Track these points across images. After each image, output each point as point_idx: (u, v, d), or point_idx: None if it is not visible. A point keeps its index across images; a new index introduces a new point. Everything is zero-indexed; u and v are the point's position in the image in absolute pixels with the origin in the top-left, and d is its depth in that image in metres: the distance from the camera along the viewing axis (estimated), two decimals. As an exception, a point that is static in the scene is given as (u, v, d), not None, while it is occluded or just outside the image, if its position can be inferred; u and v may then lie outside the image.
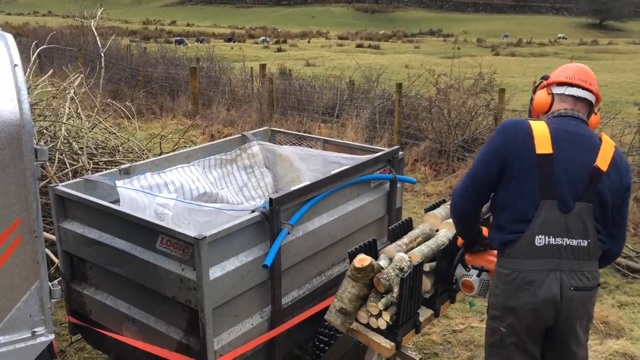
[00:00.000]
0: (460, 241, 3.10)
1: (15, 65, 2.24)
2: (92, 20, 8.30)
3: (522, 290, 2.57)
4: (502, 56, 34.94)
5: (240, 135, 4.95)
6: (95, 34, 8.09)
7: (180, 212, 3.68)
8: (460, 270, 3.12)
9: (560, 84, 2.78)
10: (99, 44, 7.87)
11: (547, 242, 2.55)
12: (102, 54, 7.60)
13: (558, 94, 2.78)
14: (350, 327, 3.01)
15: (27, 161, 2.26)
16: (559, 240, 2.55)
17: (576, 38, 56.44)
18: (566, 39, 55.00)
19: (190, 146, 7.03)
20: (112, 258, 3.29)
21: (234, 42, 44.06)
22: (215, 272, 2.94)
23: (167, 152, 6.21)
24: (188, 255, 2.91)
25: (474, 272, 3.01)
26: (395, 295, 2.87)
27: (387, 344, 2.91)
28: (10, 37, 2.34)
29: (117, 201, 3.71)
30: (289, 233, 3.24)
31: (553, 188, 2.55)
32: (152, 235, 3.05)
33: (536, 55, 36.72)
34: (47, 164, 5.51)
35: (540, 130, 2.62)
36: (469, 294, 3.06)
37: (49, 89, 7.57)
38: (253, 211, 3.18)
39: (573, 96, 2.75)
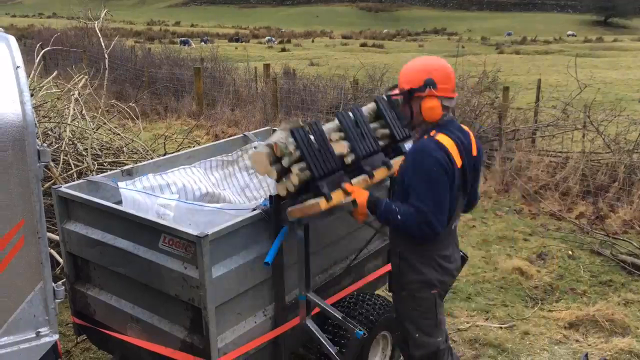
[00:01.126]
0: None
1: (18, 67, 2.25)
2: (96, 22, 8.33)
3: (443, 259, 3.16)
4: (506, 54, 34.88)
5: (242, 135, 4.96)
6: (99, 35, 8.12)
7: (181, 212, 3.69)
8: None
9: (448, 97, 3.05)
10: (102, 45, 7.90)
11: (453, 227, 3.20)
12: (106, 55, 7.63)
13: (446, 106, 3.04)
14: (287, 210, 3.05)
15: (30, 162, 2.27)
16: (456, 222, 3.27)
17: (581, 35, 56.26)
18: (575, 36, 54.82)
19: (194, 146, 7.05)
20: (115, 258, 3.31)
21: (241, 42, 44.09)
22: (217, 270, 2.95)
23: (171, 153, 6.23)
24: (190, 253, 2.92)
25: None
26: (292, 150, 2.95)
27: (316, 200, 2.94)
28: (12, 39, 2.36)
29: (120, 202, 3.72)
30: (290, 230, 3.25)
31: (465, 187, 3.13)
32: (154, 235, 3.07)
33: (541, 53, 36.64)
34: (52, 165, 5.54)
35: (451, 146, 2.97)
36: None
37: (54, 90, 7.60)
38: (254, 209, 3.19)
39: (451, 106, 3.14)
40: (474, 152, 3.10)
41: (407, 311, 3.16)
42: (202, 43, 35.23)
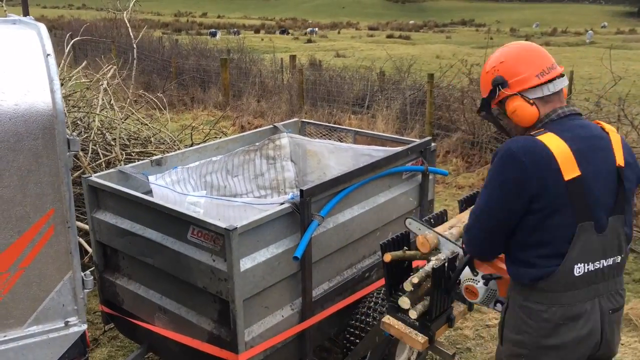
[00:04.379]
0: None
1: (48, 54, 2.24)
2: (125, 12, 8.36)
3: (561, 327, 2.27)
4: (536, 46, 34.20)
5: (271, 126, 4.93)
6: (128, 25, 8.15)
7: (210, 208, 3.70)
8: (466, 272, 2.73)
9: (534, 87, 2.33)
10: (131, 35, 7.93)
11: (586, 270, 2.24)
12: (135, 46, 7.65)
13: (540, 97, 2.33)
14: (383, 320, 2.96)
15: (59, 151, 2.26)
16: (597, 265, 2.26)
17: (613, 27, 55.04)
18: (605, 27, 53.69)
19: (220, 137, 7.05)
20: (144, 248, 3.31)
21: (288, 34, 44.28)
22: (246, 264, 2.92)
23: (198, 144, 6.23)
24: (219, 246, 2.90)
25: (481, 279, 2.64)
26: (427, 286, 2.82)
27: (419, 337, 2.86)
28: (43, 27, 2.35)
29: (149, 192, 3.73)
30: (319, 225, 3.21)
31: (588, 210, 2.21)
32: (183, 226, 3.05)
33: (571, 45, 35.93)
34: (81, 154, 5.58)
35: (561, 149, 2.19)
36: (472, 301, 2.73)
37: (83, 80, 7.66)
38: (282, 203, 3.16)
39: (558, 92, 2.36)
40: (618, 161, 2.28)
41: None
42: (232, 35, 35.26)
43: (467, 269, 2.67)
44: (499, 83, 2.36)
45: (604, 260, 2.27)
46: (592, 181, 2.21)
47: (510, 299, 2.42)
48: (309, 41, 36.69)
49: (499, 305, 2.66)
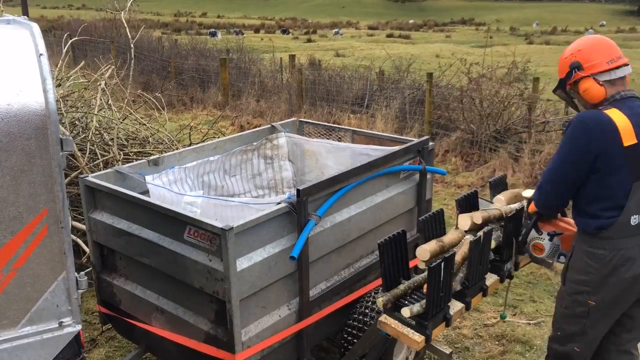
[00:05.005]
0: (532, 208, 3.21)
1: (41, 54, 2.23)
2: (122, 12, 8.35)
3: (619, 267, 2.76)
4: (536, 45, 34.24)
5: (269, 126, 4.92)
6: (125, 25, 8.13)
7: (207, 208, 3.69)
8: (532, 233, 3.26)
9: (604, 72, 2.82)
10: (128, 35, 7.91)
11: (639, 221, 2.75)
12: (132, 45, 7.64)
13: (608, 80, 2.81)
14: (379, 319, 2.95)
15: (52, 151, 2.25)
16: None
17: (613, 26, 55.02)
18: (604, 25, 53.66)
19: (219, 137, 7.03)
20: (140, 248, 3.30)
21: (289, 34, 44.32)
22: (242, 263, 2.91)
23: (196, 143, 6.21)
24: (215, 246, 2.89)
25: (546, 236, 3.19)
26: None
27: (416, 336, 2.85)
28: (35, 26, 2.33)
29: (146, 192, 3.72)
30: (316, 224, 3.20)
31: None
32: (179, 226, 3.04)
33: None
34: (79, 154, 5.56)
35: (622, 122, 2.70)
36: (539, 256, 3.25)
37: (81, 80, 7.65)
38: (279, 203, 3.15)
39: (622, 77, 2.84)
40: None
41: (558, 308, 3.10)
42: (234, 35, 35.07)
43: (532, 231, 3.24)
44: (576, 66, 2.85)
45: None
46: None
47: (575, 247, 2.94)
48: (309, 40, 36.66)
49: (562, 257, 3.19)
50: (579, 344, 2.97)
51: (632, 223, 2.74)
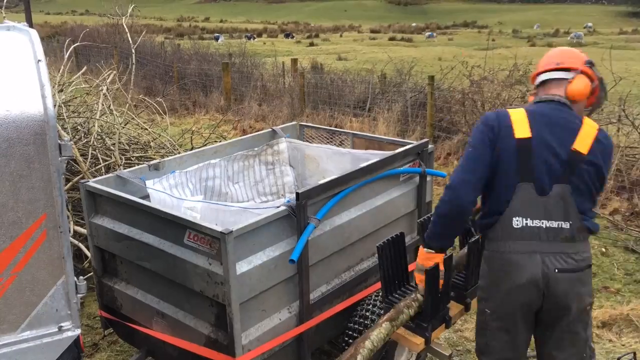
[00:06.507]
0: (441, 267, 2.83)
1: (39, 60, 2.25)
2: (124, 17, 8.38)
3: (506, 272, 2.61)
4: (538, 47, 34.20)
5: (269, 130, 4.93)
6: (126, 30, 8.17)
7: (207, 212, 3.70)
8: None
9: (539, 74, 2.86)
10: (130, 40, 7.95)
11: (524, 224, 2.58)
12: (133, 50, 7.67)
13: (540, 82, 2.84)
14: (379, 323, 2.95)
15: (51, 157, 2.27)
16: (537, 222, 2.57)
17: (616, 27, 54.94)
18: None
19: (220, 141, 7.05)
20: (141, 253, 3.31)
21: (292, 37, 44.40)
22: (242, 267, 2.92)
23: (197, 148, 6.23)
24: (215, 249, 2.90)
25: None
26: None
27: (416, 339, 2.85)
28: (34, 32, 2.35)
29: (147, 196, 3.73)
30: (315, 227, 3.20)
31: (530, 171, 2.57)
32: (180, 230, 3.05)
33: (574, 46, 35.84)
34: (81, 159, 5.59)
35: (518, 115, 2.66)
36: None
37: (83, 86, 7.68)
38: (278, 206, 3.15)
39: (551, 80, 2.78)
40: (576, 146, 2.59)
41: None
42: (246, 39, 34.83)
43: None
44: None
45: (547, 221, 2.56)
46: (539, 147, 2.57)
47: None
48: (311, 44, 36.71)
49: None
50: (489, 358, 2.81)
51: (515, 225, 2.58)
